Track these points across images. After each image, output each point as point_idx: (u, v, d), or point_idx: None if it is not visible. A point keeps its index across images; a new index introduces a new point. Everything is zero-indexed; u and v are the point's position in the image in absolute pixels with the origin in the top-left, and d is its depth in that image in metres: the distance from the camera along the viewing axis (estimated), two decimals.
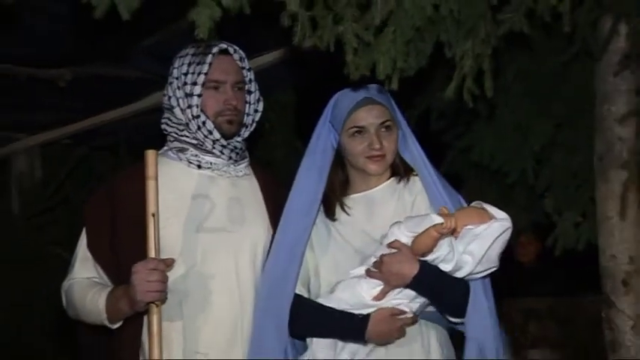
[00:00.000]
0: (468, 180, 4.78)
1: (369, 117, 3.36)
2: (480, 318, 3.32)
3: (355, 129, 3.35)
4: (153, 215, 3.13)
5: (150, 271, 3.04)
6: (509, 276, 3.28)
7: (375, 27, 3.26)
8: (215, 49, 3.31)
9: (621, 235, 4.23)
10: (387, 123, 3.38)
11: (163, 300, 3.11)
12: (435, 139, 4.65)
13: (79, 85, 5.22)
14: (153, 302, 3.08)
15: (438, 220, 3.14)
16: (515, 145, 4.58)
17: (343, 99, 3.42)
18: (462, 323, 3.35)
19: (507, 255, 3.40)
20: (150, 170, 3.16)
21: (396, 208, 3.46)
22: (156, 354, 3.10)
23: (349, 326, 3.26)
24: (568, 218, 4.53)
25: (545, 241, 4.70)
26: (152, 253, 3.10)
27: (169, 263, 3.13)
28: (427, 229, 3.13)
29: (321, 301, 3.34)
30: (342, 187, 3.49)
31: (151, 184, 3.15)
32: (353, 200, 3.49)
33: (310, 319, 3.33)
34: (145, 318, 3.20)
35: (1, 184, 6.47)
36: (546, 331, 6.65)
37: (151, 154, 3.17)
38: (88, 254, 3.38)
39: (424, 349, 3.34)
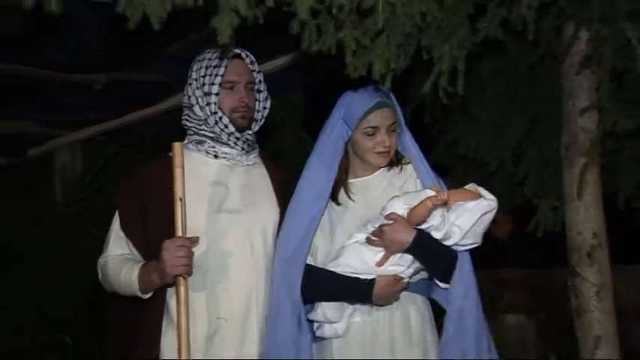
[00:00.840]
0: (453, 169, 4.74)
1: (382, 119, 3.43)
2: (463, 286, 3.40)
3: (370, 129, 3.42)
4: (180, 199, 3.20)
5: (178, 247, 3.12)
6: (486, 249, 3.30)
7: (372, 32, 3.31)
8: (230, 54, 3.36)
9: (585, 214, 4.24)
10: (393, 125, 3.45)
11: (189, 273, 3.18)
12: (425, 133, 4.66)
13: (111, 88, 5.23)
14: (180, 275, 3.14)
15: (432, 193, 3.26)
16: (495, 138, 4.61)
17: (358, 100, 3.47)
18: (443, 290, 3.47)
19: (485, 231, 3.44)
20: (177, 160, 3.22)
21: (387, 192, 3.51)
22: (184, 320, 3.15)
23: (357, 290, 3.33)
24: (546, 203, 4.56)
25: (526, 223, 4.72)
26: (179, 232, 3.19)
27: (194, 241, 3.21)
28: (423, 201, 3.26)
29: (329, 266, 3.39)
30: (345, 173, 3.53)
31: (178, 172, 3.22)
32: (352, 185, 3.55)
33: (322, 285, 3.38)
34: (169, 289, 3.29)
35: (46, 175, 6.46)
36: (519, 299, 6.67)
37: (177, 145, 3.24)
38: (121, 234, 3.45)
39: (404, 317, 3.42)
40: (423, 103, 4.54)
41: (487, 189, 3.53)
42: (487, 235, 3.33)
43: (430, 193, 3.30)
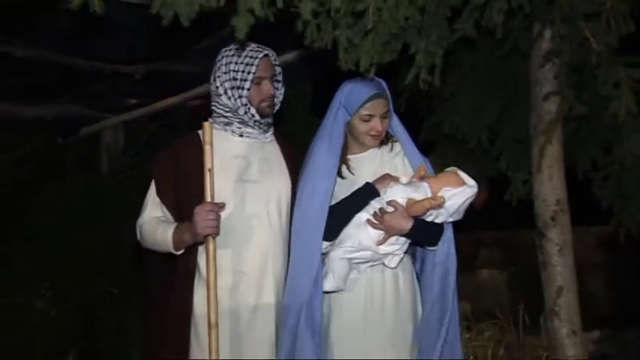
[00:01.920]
0: (437, 146, 4.77)
1: (377, 108, 3.44)
2: (445, 247, 3.43)
3: (366, 116, 3.44)
4: (209, 170, 3.23)
5: (208, 212, 3.16)
6: (465, 215, 3.35)
7: (362, 32, 3.34)
8: (261, 55, 3.40)
9: (549, 184, 4.27)
10: (386, 113, 3.46)
11: (217, 233, 3.21)
12: (413, 115, 4.69)
13: (150, 77, 5.26)
14: (210, 235, 3.18)
15: (429, 191, 3.30)
16: (474, 120, 4.62)
17: (358, 90, 3.48)
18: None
19: None
20: (207, 137, 3.24)
21: (377, 166, 3.54)
22: (212, 273, 3.19)
23: (365, 192, 3.40)
24: (518, 176, 4.59)
25: (503, 194, 4.75)
26: (208, 199, 3.22)
27: (222, 206, 3.24)
28: (423, 202, 3.25)
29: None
30: (344, 151, 3.53)
31: (207, 148, 3.24)
32: (350, 161, 3.57)
33: (337, 214, 3.41)
34: (199, 252, 3.36)
35: (94, 151, 6.48)
36: (493, 256, 6.67)
37: (207, 124, 3.26)
38: (157, 199, 3.47)
39: (394, 276, 3.46)
40: (414, 92, 4.54)
41: (467, 163, 3.62)
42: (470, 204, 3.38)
43: (429, 190, 3.31)
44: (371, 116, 3.45)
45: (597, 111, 4.25)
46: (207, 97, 4.21)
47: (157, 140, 5.89)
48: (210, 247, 3.22)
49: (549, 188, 4.30)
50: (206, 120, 3.39)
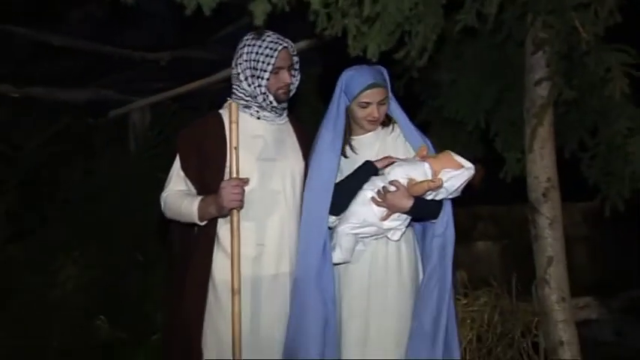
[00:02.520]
0: (434, 126, 4.79)
1: (373, 96, 3.42)
2: (444, 220, 3.44)
3: (364, 103, 3.43)
4: (235, 148, 3.25)
5: (234, 186, 3.19)
6: (463, 191, 3.38)
7: (369, 22, 3.40)
8: (280, 47, 3.38)
9: (541, 163, 4.27)
10: (384, 100, 3.45)
11: (241, 207, 3.23)
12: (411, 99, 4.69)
13: (174, 64, 5.25)
14: (235, 208, 3.21)
15: (429, 172, 3.30)
16: (473, 104, 4.60)
17: (357, 79, 3.46)
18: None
19: None
20: (233, 116, 3.26)
21: (379, 147, 3.55)
22: (235, 244, 3.23)
23: (365, 169, 3.43)
24: (512, 155, 4.56)
25: (498, 173, 4.72)
26: (234, 174, 3.24)
27: (246, 181, 3.26)
28: (422, 183, 3.27)
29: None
30: (348, 133, 3.55)
31: (233, 126, 3.26)
32: (353, 141, 3.58)
33: (341, 191, 3.43)
34: (219, 221, 3.36)
35: (122, 131, 6.48)
36: (489, 229, 6.67)
37: (234, 105, 3.28)
38: (181, 173, 3.46)
39: (397, 248, 3.47)
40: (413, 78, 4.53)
41: (465, 143, 3.66)
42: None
43: (428, 171, 3.31)
44: (368, 103, 3.44)
45: (585, 96, 4.26)
46: (226, 82, 4.24)
47: (179, 121, 5.87)
48: (235, 219, 3.24)
49: (541, 167, 4.30)
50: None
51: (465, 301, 4.59)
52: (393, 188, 3.32)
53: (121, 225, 5.89)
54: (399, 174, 3.35)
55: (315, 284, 3.34)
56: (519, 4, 4.02)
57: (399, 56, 3.63)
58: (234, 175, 3.25)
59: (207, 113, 3.65)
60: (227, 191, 3.19)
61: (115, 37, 4.81)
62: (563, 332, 4.22)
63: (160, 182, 3.62)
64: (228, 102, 3.49)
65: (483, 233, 6.65)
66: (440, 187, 3.29)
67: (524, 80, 4.34)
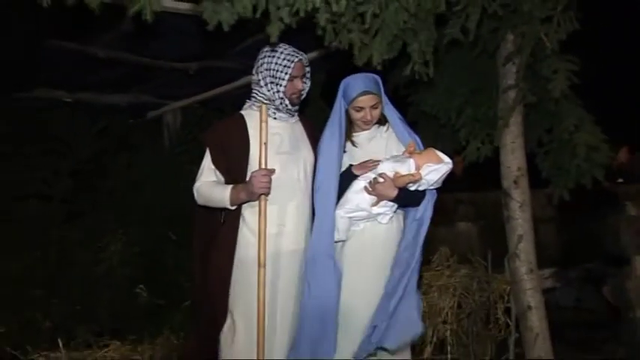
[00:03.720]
0: (420, 122, 4.77)
1: (366, 102, 3.48)
2: (423, 206, 3.49)
3: (358, 107, 3.49)
4: (265, 143, 3.31)
5: (263, 175, 3.25)
6: (447, 180, 3.41)
7: (372, 35, 3.40)
8: (296, 59, 3.42)
9: (512, 155, 4.27)
10: (376, 104, 3.49)
11: (268, 193, 3.28)
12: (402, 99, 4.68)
13: (201, 72, 5.22)
14: (263, 194, 3.27)
15: (413, 166, 3.37)
16: (446, 102, 4.61)
17: (353, 86, 3.50)
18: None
19: None
20: (263, 116, 3.32)
21: (375, 143, 3.60)
22: (262, 224, 3.28)
23: (347, 173, 3.52)
24: (473, 144, 4.55)
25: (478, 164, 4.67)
26: (263, 165, 3.29)
27: (273, 172, 3.30)
28: (405, 177, 3.34)
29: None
30: (349, 130, 3.59)
31: (263, 125, 3.32)
32: (354, 137, 3.62)
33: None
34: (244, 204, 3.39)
35: (158, 130, 6.45)
36: (468, 212, 6.64)
37: (264, 107, 3.35)
38: (212, 167, 3.47)
39: (387, 229, 3.51)
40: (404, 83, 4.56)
41: (440, 135, 3.99)
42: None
43: (412, 166, 3.38)
44: (362, 108, 3.50)
45: (543, 100, 4.24)
46: (245, 88, 4.22)
47: (206, 121, 5.89)
48: (262, 203, 3.30)
49: (512, 158, 4.29)
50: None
51: (448, 273, 4.58)
52: (381, 180, 3.37)
53: (157, 209, 5.89)
54: (387, 168, 3.41)
55: (329, 254, 3.39)
56: (496, 18, 3.98)
57: (406, 73, 3.63)
58: (263, 167, 3.30)
59: (230, 114, 3.65)
60: (257, 180, 3.25)
61: (151, 50, 4.78)
62: (531, 298, 4.21)
63: (189, 173, 3.66)
64: (249, 104, 3.56)
65: (464, 215, 6.64)
66: (420, 180, 3.35)
67: (489, 86, 4.38)
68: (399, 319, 3.39)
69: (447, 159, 3.42)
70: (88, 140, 6.02)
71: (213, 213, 3.50)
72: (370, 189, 3.41)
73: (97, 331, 4.80)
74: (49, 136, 5.87)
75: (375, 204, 3.42)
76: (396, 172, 3.37)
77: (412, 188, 3.41)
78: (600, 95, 4.31)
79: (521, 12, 3.97)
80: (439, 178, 3.40)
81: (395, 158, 3.46)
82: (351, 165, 3.52)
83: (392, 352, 3.43)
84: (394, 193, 3.37)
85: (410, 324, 3.41)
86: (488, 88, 4.36)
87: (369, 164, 3.46)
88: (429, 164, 3.37)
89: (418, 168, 3.36)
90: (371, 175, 3.43)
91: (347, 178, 3.48)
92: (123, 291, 5.56)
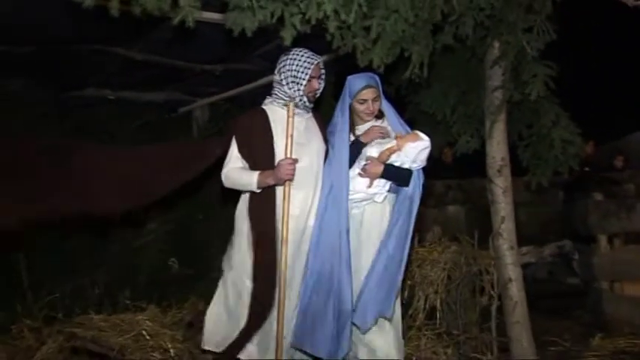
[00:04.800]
0: (418, 119, 4.69)
1: (368, 95, 3.51)
2: (412, 185, 3.50)
3: (361, 100, 3.51)
4: (290, 136, 3.34)
5: (289, 164, 3.27)
6: (437, 169, 3.39)
7: (374, 41, 3.36)
8: (314, 62, 3.42)
9: (497, 146, 4.21)
10: (376, 97, 3.51)
11: (292, 179, 3.31)
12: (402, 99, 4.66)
13: (225, 73, 5.19)
14: (288, 180, 3.30)
15: (394, 144, 3.45)
16: (441, 101, 4.56)
17: (356, 82, 3.52)
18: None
19: (437, 158, 3.52)
20: (290, 112, 3.37)
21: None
22: (287, 205, 3.34)
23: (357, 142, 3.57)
24: (464, 138, 4.53)
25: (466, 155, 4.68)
26: (289, 154, 3.32)
27: (296, 160, 3.32)
28: (385, 150, 3.44)
29: None
30: (352, 123, 3.60)
31: (290, 120, 3.36)
32: (356, 129, 3.63)
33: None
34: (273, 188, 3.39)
35: (188, 123, 6.42)
36: (457, 196, 6.58)
37: (292, 105, 3.38)
38: (238, 155, 3.46)
39: (382, 209, 3.54)
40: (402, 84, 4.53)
41: (436, 131, 4.14)
42: (441, 160, 3.39)
43: (393, 144, 3.46)
44: (365, 100, 3.52)
45: (523, 100, 4.18)
46: (264, 87, 4.19)
47: (230, 116, 5.84)
48: (287, 188, 3.33)
49: (496, 150, 4.23)
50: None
51: (439, 249, 4.55)
52: (369, 162, 3.45)
53: (187, 192, 5.83)
54: (374, 151, 3.49)
55: (346, 232, 3.39)
56: (485, 28, 3.93)
57: (406, 75, 3.62)
58: (289, 155, 3.33)
59: (251, 109, 3.61)
60: (284, 167, 3.28)
61: (182, 54, 4.75)
62: (512, 272, 4.18)
63: (218, 161, 3.62)
64: (269, 100, 3.56)
65: (453, 200, 6.58)
66: (399, 150, 3.43)
67: (478, 87, 4.31)
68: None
69: (425, 137, 3.49)
70: (129, 132, 5.98)
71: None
72: (362, 172, 3.45)
73: (135, 296, 4.78)
74: (97, 128, 5.83)
75: (370, 185, 3.46)
76: (381, 152, 3.46)
77: (397, 164, 3.45)
78: (570, 95, 4.23)
79: (506, 22, 3.93)
80: (419, 154, 3.45)
81: (380, 143, 3.53)
82: (357, 137, 3.55)
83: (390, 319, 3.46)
84: (380, 168, 3.42)
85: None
86: (477, 89, 4.30)
87: (374, 131, 3.51)
88: (409, 142, 3.44)
89: (400, 147, 3.44)
90: (362, 163, 3.49)
91: (356, 148, 3.51)
92: (157, 263, 5.57)
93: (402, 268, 3.46)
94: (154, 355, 3.69)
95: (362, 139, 3.52)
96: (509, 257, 4.17)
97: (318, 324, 3.35)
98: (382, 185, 3.48)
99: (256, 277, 3.38)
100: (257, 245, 3.40)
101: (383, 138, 3.52)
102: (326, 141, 3.58)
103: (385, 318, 3.43)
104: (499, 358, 4.24)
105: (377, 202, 3.49)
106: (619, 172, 7.96)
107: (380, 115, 3.62)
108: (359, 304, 3.38)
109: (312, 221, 3.45)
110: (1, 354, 4.10)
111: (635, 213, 5.93)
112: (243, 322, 3.40)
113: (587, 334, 5.16)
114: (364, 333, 3.43)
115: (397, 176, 3.47)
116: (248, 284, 3.40)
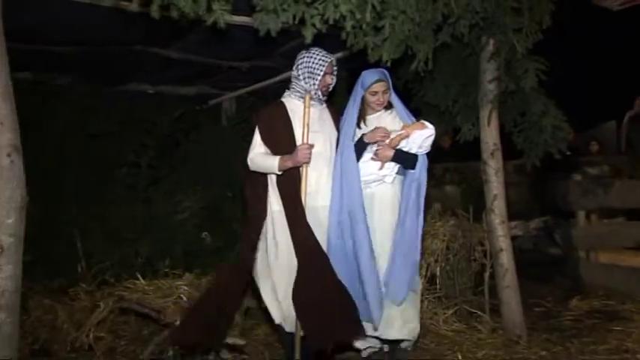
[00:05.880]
0: (423, 110, 4.58)
1: (379, 87, 3.43)
2: (418, 169, 3.44)
3: (373, 92, 3.44)
4: (307, 125, 3.28)
5: (306, 149, 3.22)
6: (440, 153, 3.34)
7: (383, 39, 3.34)
8: (328, 60, 3.36)
9: (491, 133, 4.14)
10: (386, 90, 3.44)
11: (309, 162, 3.26)
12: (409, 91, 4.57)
13: (250, 70, 5.17)
14: (305, 163, 3.26)
15: (404, 132, 3.40)
16: (444, 93, 4.46)
17: (369, 75, 3.45)
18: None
19: (436, 143, 3.50)
20: (307, 103, 3.31)
21: (382, 122, 3.51)
22: (303, 183, 3.28)
23: (360, 141, 3.47)
24: (466, 126, 4.42)
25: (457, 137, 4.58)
26: (306, 141, 3.27)
27: (312, 145, 3.26)
28: (395, 138, 3.37)
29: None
30: (363, 112, 3.54)
31: (306, 110, 3.29)
32: (367, 119, 3.56)
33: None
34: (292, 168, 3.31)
35: (217, 114, 6.40)
36: (454, 177, 6.52)
37: (308, 97, 3.32)
38: (261, 141, 3.41)
39: (393, 188, 3.46)
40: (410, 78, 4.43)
41: (440, 119, 4.07)
42: (440, 146, 3.36)
43: (402, 132, 3.41)
44: (376, 92, 3.45)
45: (517, 91, 4.11)
46: (284, 82, 4.15)
47: (254, 107, 5.81)
48: (305, 170, 3.29)
49: (490, 136, 4.17)
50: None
51: (439, 223, 4.51)
52: (381, 147, 3.42)
53: (217, 174, 5.87)
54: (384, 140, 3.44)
55: (362, 208, 3.35)
56: (480, 28, 3.85)
57: (412, 68, 3.60)
58: (306, 141, 3.27)
59: (272, 102, 3.58)
60: (302, 152, 3.23)
61: (213, 53, 4.72)
62: (502, 243, 4.14)
63: (241, 147, 3.63)
64: (288, 93, 3.50)
65: (450, 180, 6.53)
66: (407, 136, 3.38)
67: (477, 80, 4.20)
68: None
69: (430, 126, 3.44)
70: (167, 121, 5.96)
71: (261, 176, 3.47)
72: (375, 156, 3.42)
73: (173, 265, 4.77)
74: (139, 118, 5.82)
75: (381, 167, 3.41)
76: (392, 138, 3.41)
77: (405, 149, 3.41)
78: (554, 89, 4.18)
79: (498, 24, 3.86)
80: (424, 141, 3.41)
81: (392, 131, 3.48)
82: (363, 135, 3.48)
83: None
84: (392, 152, 3.38)
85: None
86: (476, 82, 4.21)
87: (378, 132, 3.43)
88: (416, 130, 3.40)
89: (408, 134, 3.40)
90: (374, 148, 3.44)
91: (360, 146, 3.44)
92: (192, 236, 5.55)
93: (420, 244, 3.44)
94: None
95: (366, 140, 3.45)
96: (500, 230, 4.12)
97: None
98: (392, 168, 3.44)
99: (299, 250, 3.26)
100: (290, 220, 3.33)
101: (383, 140, 3.44)
102: (337, 129, 3.53)
103: (414, 291, 3.44)
104: (491, 318, 4.20)
105: (387, 182, 3.45)
106: (594, 156, 7.91)
107: (389, 106, 3.57)
108: (391, 281, 3.34)
109: (325, 200, 3.39)
110: (62, 313, 4.13)
111: (608, 191, 5.91)
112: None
113: (566, 296, 5.18)
114: (399, 304, 3.37)
115: (405, 160, 3.43)
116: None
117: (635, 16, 5.75)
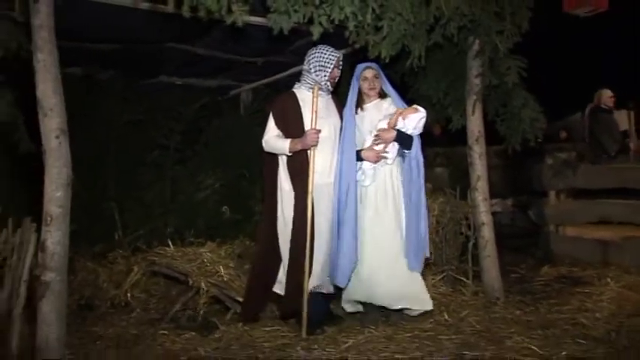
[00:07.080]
0: (417, 101, 4.51)
1: (368, 74, 3.48)
2: (415, 148, 3.44)
3: (364, 78, 3.47)
4: (315, 112, 3.25)
5: (314, 133, 3.21)
6: (431, 140, 3.31)
7: (382, 38, 3.30)
8: (337, 55, 3.37)
9: (476, 122, 4.10)
10: (376, 76, 3.47)
11: (317, 145, 3.26)
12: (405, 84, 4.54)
13: (265, 64, 5.12)
14: (313, 146, 3.25)
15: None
16: (435, 87, 4.40)
17: (360, 66, 3.51)
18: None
19: (428, 131, 3.48)
20: (315, 93, 3.27)
21: (378, 111, 3.53)
22: (312, 165, 3.25)
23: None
24: (456, 115, 4.36)
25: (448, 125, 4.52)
26: (314, 126, 3.25)
27: (320, 130, 3.25)
28: (394, 117, 3.38)
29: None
30: (360, 100, 3.54)
31: (315, 99, 3.25)
32: (364, 106, 3.56)
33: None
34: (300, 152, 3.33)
35: (236, 104, 6.34)
36: (443, 160, 6.51)
37: (317, 87, 3.29)
38: (275, 126, 3.42)
39: (391, 167, 3.45)
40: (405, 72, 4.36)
41: (432, 108, 4.04)
42: (432, 134, 3.34)
43: (398, 111, 3.42)
44: (366, 78, 3.48)
45: (500, 85, 4.07)
46: (295, 75, 4.11)
47: (268, 97, 5.76)
48: (312, 152, 3.29)
49: (475, 124, 4.12)
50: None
51: (430, 200, 4.47)
52: (382, 130, 3.41)
53: (236, 156, 5.85)
54: (383, 124, 3.45)
55: (355, 186, 3.37)
56: (467, 30, 3.81)
57: (408, 63, 3.55)
58: (314, 126, 3.26)
59: (284, 92, 3.56)
60: (310, 136, 3.23)
61: (232, 49, 4.68)
62: (484, 217, 4.13)
63: (257, 132, 3.64)
64: (298, 85, 3.49)
65: (440, 163, 6.51)
66: (401, 115, 3.38)
67: (464, 75, 4.15)
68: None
69: (422, 109, 3.44)
70: (192, 110, 5.92)
71: (276, 157, 3.47)
72: (377, 140, 3.41)
73: (197, 235, 4.79)
74: (168, 107, 5.79)
75: (383, 149, 3.40)
76: (389, 123, 3.41)
77: (402, 130, 3.39)
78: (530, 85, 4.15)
79: (483, 26, 3.81)
80: (417, 123, 3.40)
81: (387, 117, 3.47)
82: (359, 151, 3.42)
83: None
84: (393, 133, 3.38)
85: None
86: (463, 77, 4.17)
87: (373, 153, 3.39)
88: (410, 114, 3.41)
89: (404, 116, 3.40)
90: (372, 136, 3.43)
91: (357, 156, 3.41)
92: (213, 210, 5.57)
93: (425, 215, 3.46)
94: (213, 278, 3.70)
95: (362, 155, 3.41)
96: (482, 206, 4.11)
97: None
98: (392, 151, 3.44)
99: (294, 223, 3.34)
100: (297, 196, 3.35)
101: (377, 162, 3.40)
102: (341, 117, 3.52)
103: (427, 258, 3.49)
104: (473, 283, 4.21)
105: (388, 163, 3.45)
106: (563, 142, 7.91)
107: (384, 95, 3.56)
108: (411, 249, 3.36)
109: (330, 177, 3.39)
110: (102, 274, 4.21)
111: (576, 174, 5.91)
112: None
113: (538, 265, 5.21)
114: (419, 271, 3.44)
115: (403, 140, 3.42)
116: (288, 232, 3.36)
117: (598, 22, 5.80)
